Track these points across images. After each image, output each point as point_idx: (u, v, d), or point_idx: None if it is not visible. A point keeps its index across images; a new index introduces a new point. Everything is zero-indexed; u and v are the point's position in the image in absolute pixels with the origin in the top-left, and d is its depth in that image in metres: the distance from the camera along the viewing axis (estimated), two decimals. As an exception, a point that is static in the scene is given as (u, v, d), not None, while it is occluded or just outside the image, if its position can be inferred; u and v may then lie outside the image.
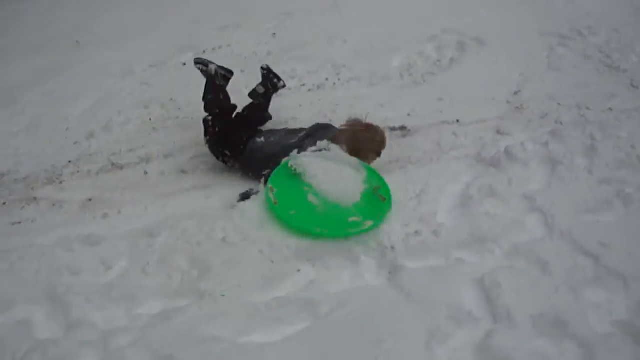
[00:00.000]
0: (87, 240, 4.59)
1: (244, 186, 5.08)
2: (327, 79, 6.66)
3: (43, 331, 3.88)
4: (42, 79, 7.31)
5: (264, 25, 8.28)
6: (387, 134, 5.37)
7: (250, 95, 5.93)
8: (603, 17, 8.23)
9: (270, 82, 5.95)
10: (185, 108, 6.38)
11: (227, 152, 5.39)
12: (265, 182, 4.87)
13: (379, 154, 5.27)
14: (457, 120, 6.00)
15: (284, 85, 6.03)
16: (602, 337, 3.65)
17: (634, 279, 4.04)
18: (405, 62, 7.20)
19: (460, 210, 4.78)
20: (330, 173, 4.87)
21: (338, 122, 5.59)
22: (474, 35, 7.67)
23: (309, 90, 6.68)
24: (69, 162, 5.69)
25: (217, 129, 5.48)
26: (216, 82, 5.75)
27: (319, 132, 5.32)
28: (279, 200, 4.66)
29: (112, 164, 5.60)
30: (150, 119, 6.25)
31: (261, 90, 5.91)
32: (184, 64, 7.34)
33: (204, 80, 5.95)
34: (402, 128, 5.78)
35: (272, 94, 5.99)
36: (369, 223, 4.61)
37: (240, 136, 5.40)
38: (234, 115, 5.74)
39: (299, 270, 4.22)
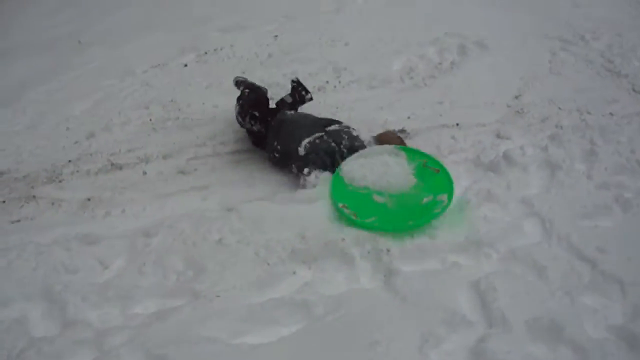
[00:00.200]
0: (85, 240, 4.61)
1: (242, 188, 5.13)
2: (327, 82, 6.66)
3: (39, 329, 3.92)
4: (44, 79, 7.34)
5: (266, 27, 8.28)
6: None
7: (278, 104, 5.96)
8: (607, 21, 8.19)
9: (299, 94, 5.97)
10: (185, 109, 6.38)
11: (256, 114, 5.60)
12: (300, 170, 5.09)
13: None
14: (457, 124, 5.99)
15: (311, 99, 6.03)
16: (597, 342, 3.65)
17: (631, 285, 4.04)
18: (407, 65, 7.19)
19: (457, 214, 4.76)
20: (375, 168, 4.97)
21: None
22: (476, 39, 7.65)
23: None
24: (69, 161, 5.71)
25: (250, 96, 5.73)
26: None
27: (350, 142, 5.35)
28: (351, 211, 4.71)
29: (112, 164, 5.62)
30: (150, 120, 6.26)
31: (289, 100, 5.94)
32: (185, 65, 7.35)
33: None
34: (402, 131, 5.77)
35: (299, 105, 6.02)
36: (443, 197, 4.77)
37: (270, 107, 5.71)
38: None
39: (294, 272, 4.23)
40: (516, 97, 6.50)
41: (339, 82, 6.81)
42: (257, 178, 5.26)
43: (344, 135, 5.29)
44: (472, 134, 5.81)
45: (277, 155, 5.37)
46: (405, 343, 3.64)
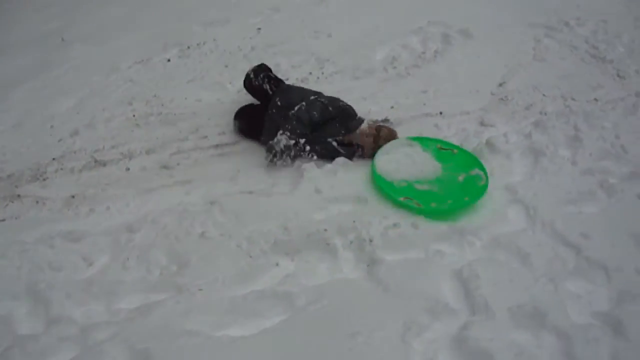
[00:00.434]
0: (68, 237, 4.60)
1: (224, 181, 5.12)
2: (310, 73, 6.65)
3: (23, 327, 3.91)
4: (28, 77, 7.28)
5: (249, 20, 8.23)
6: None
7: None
8: (592, 8, 8.21)
9: None
10: (168, 104, 6.36)
11: (271, 74, 5.93)
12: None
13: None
14: (440, 113, 6.00)
15: None
16: (582, 327, 3.69)
17: (616, 270, 4.09)
18: (390, 55, 7.18)
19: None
20: (402, 161, 5.13)
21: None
22: (460, 28, 7.65)
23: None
24: (53, 159, 5.68)
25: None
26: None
27: (343, 119, 5.59)
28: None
29: (95, 161, 5.59)
30: (133, 116, 6.23)
31: None
32: (169, 60, 7.32)
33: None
34: (385, 120, 5.77)
35: None
36: (475, 172, 5.05)
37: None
38: None
39: (277, 264, 4.25)
40: (500, 85, 6.52)
41: (322, 73, 6.80)
42: (239, 171, 5.25)
43: (335, 101, 5.56)
44: (456, 122, 5.83)
45: (274, 110, 5.56)
46: (387, 332, 3.65)
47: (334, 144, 5.39)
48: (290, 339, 3.66)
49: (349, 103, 5.61)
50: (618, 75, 6.64)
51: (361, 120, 5.57)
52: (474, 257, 4.24)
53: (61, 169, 5.53)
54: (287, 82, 6.18)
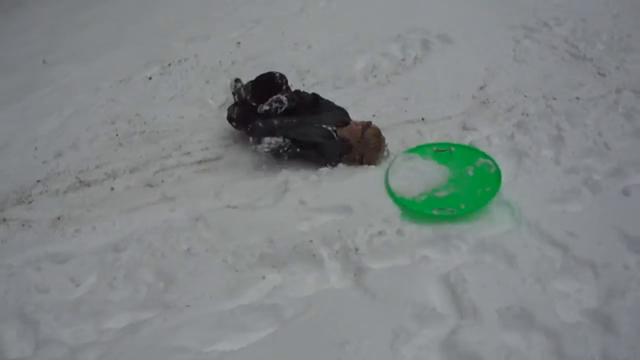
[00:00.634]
0: (55, 259, 4.62)
1: (208, 197, 5.12)
2: (291, 85, 6.63)
3: (13, 350, 3.91)
4: (11, 100, 7.29)
5: (229, 34, 8.25)
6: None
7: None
8: (571, 7, 8.22)
9: None
10: (150, 122, 6.36)
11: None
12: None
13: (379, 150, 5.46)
14: (422, 119, 6.00)
15: None
16: (571, 326, 3.68)
17: (604, 267, 4.09)
18: (370, 63, 7.19)
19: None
20: (410, 177, 5.10)
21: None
22: (439, 33, 7.66)
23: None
24: (38, 181, 5.69)
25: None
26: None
27: (325, 112, 5.75)
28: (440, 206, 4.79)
29: (80, 182, 5.60)
30: (116, 135, 6.23)
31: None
32: (150, 78, 7.32)
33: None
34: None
35: None
36: (481, 161, 5.16)
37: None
38: None
39: (263, 277, 4.25)
40: (481, 88, 6.52)
41: (303, 85, 6.78)
42: (223, 186, 5.25)
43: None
44: (438, 127, 5.83)
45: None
46: (376, 340, 3.65)
47: (329, 128, 5.47)
48: (279, 352, 3.66)
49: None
50: (599, 73, 6.65)
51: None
52: (460, 261, 4.24)
53: (46, 190, 5.54)
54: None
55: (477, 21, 8.04)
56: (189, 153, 5.79)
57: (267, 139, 5.27)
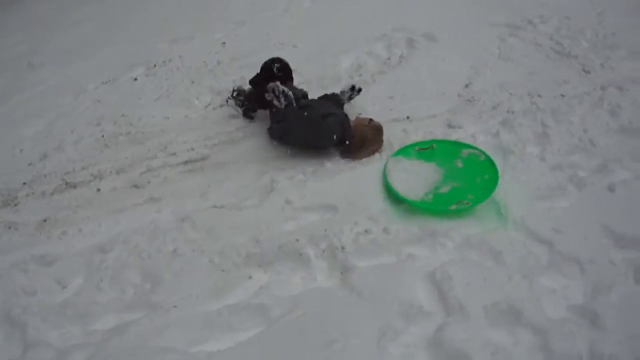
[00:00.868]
0: (42, 261, 4.60)
1: (194, 197, 5.12)
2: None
3: (1, 353, 3.89)
4: (-3, 102, 7.27)
5: (214, 35, 8.26)
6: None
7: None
8: (555, 5, 8.27)
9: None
10: (136, 123, 6.34)
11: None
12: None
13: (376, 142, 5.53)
14: (408, 117, 5.99)
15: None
16: (557, 322, 3.70)
17: (590, 263, 4.11)
18: (355, 62, 7.19)
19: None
20: (405, 177, 5.09)
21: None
22: (424, 32, 7.68)
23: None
24: (24, 183, 5.66)
25: None
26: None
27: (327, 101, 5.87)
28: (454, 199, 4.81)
29: (66, 183, 5.57)
30: (102, 136, 6.21)
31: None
32: (135, 79, 7.31)
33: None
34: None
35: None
36: (468, 152, 5.29)
37: None
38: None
39: (250, 277, 4.25)
40: (466, 86, 6.54)
41: (289, 84, 6.76)
42: (209, 186, 5.24)
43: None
44: (423, 125, 5.83)
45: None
46: (362, 339, 3.66)
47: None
48: (266, 351, 3.66)
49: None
50: (583, 70, 6.67)
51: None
52: (447, 258, 4.25)
53: (32, 193, 5.51)
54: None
55: (462, 20, 8.07)
56: (174, 154, 5.77)
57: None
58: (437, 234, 4.43)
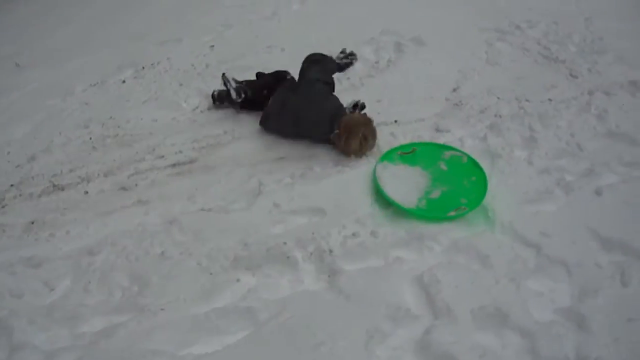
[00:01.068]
0: (29, 263, 4.58)
1: (182, 200, 5.11)
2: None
3: (-14, 357, 3.86)
4: (-16, 104, 7.23)
5: (203, 37, 8.24)
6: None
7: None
8: (544, 10, 8.31)
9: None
10: (124, 125, 6.32)
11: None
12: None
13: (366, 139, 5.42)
14: (395, 121, 6.00)
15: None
16: (545, 325, 3.74)
17: (577, 266, 4.15)
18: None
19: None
20: (397, 182, 5.06)
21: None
22: (412, 36, 7.69)
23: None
24: (11, 185, 5.64)
25: None
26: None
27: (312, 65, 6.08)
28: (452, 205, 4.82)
29: (54, 186, 5.56)
30: (90, 139, 6.19)
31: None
32: (123, 82, 7.29)
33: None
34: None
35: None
36: (449, 153, 5.35)
37: None
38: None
39: (238, 280, 4.25)
40: (454, 90, 6.55)
41: (276, 87, 6.76)
42: (197, 189, 5.24)
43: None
44: (411, 129, 5.84)
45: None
46: (350, 341, 3.68)
47: None
48: (254, 354, 3.67)
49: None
50: (571, 75, 6.70)
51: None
52: (434, 261, 4.27)
53: (20, 195, 5.49)
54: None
55: (450, 24, 8.08)
56: (162, 156, 5.76)
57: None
58: (424, 238, 4.45)
